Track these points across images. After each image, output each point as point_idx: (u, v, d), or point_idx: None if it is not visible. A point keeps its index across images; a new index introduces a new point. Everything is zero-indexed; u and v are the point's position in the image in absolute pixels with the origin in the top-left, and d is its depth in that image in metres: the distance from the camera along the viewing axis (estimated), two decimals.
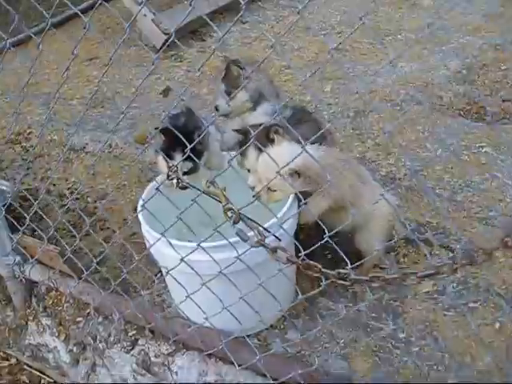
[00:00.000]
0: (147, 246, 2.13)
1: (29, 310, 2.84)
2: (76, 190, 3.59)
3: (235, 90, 2.64)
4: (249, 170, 2.40)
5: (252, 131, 2.43)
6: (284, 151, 2.20)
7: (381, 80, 4.24)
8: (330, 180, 2.22)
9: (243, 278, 1.96)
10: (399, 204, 2.85)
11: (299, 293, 1.87)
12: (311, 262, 1.70)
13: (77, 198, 3.53)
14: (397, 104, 3.91)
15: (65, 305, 2.73)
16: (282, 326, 2.39)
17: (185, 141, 1.80)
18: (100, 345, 2.51)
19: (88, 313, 2.62)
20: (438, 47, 4.68)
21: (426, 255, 2.68)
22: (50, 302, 2.78)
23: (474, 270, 2.53)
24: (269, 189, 2.20)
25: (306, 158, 2.18)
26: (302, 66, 4.60)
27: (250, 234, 1.67)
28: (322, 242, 1.64)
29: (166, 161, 2.26)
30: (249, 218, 1.84)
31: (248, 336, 2.21)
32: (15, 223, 2.78)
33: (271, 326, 2.38)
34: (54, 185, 3.64)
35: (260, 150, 2.23)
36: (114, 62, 1.84)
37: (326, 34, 5.10)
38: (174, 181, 1.90)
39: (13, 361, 2.91)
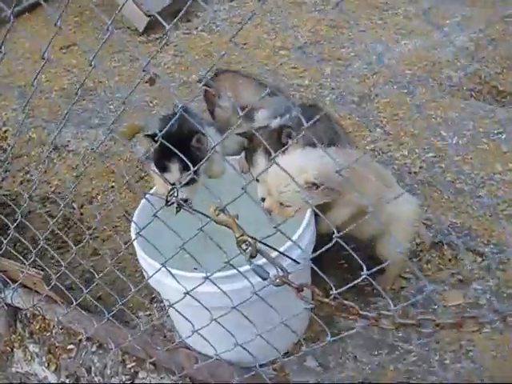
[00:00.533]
0: (145, 275, 1.85)
1: (14, 336, 2.56)
2: (60, 193, 3.30)
3: None
4: (257, 180, 2.11)
5: (260, 134, 2.17)
6: (299, 159, 1.91)
7: (384, 60, 3.93)
8: (353, 187, 1.98)
9: (255, 309, 1.70)
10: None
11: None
12: (346, 301, 1.44)
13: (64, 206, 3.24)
14: (404, 86, 3.61)
15: (53, 331, 2.45)
16: (299, 352, 2.14)
17: (181, 154, 1.51)
18: (96, 378, 2.24)
19: (80, 340, 2.35)
20: (441, 21, 4.36)
21: (450, 260, 2.44)
22: (37, 327, 2.50)
23: (508, 276, 2.29)
24: (281, 204, 1.92)
25: (325, 166, 1.91)
26: (297, 47, 4.27)
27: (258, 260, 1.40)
28: (331, 243, 1.33)
29: (161, 173, 1.97)
30: (269, 246, 1.58)
31: (262, 366, 1.96)
32: None
33: (287, 352, 2.13)
34: (36, 189, 3.32)
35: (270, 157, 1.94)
36: (94, 48, 1.52)
37: (320, 9, 4.74)
38: (174, 205, 1.60)
39: None
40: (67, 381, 2.32)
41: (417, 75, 3.69)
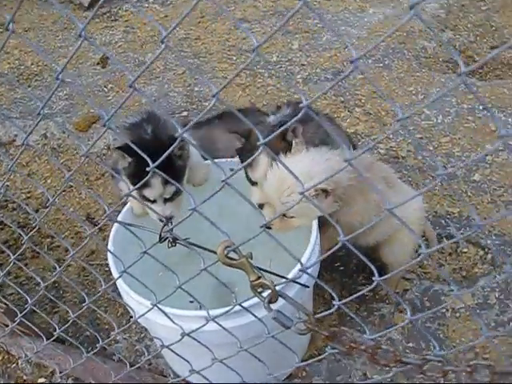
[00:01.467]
0: (132, 314, 1.58)
1: None
2: (11, 197, 2.94)
3: None
4: (253, 183, 1.85)
5: (259, 132, 1.89)
6: (304, 163, 1.67)
7: (354, 31, 3.69)
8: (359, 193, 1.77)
9: (256, 342, 1.47)
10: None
11: None
12: (383, 346, 1.24)
13: (13, 209, 2.90)
14: (378, 59, 3.39)
15: (19, 362, 2.16)
16: (303, 374, 1.94)
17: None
18: None
19: (52, 372, 2.08)
20: None
21: (451, 254, 2.28)
22: (0, 359, 2.20)
23: None
24: (283, 215, 1.68)
25: (333, 170, 1.68)
26: (259, 18, 3.96)
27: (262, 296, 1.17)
28: (337, 246, 1.11)
29: (139, 190, 1.68)
30: (277, 275, 1.36)
31: None
32: None
33: (290, 375, 1.92)
34: None
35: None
36: (36, 26, 1.22)
37: None
38: (167, 238, 1.33)
39: None
40: None
41: (391, 47, 3.48)
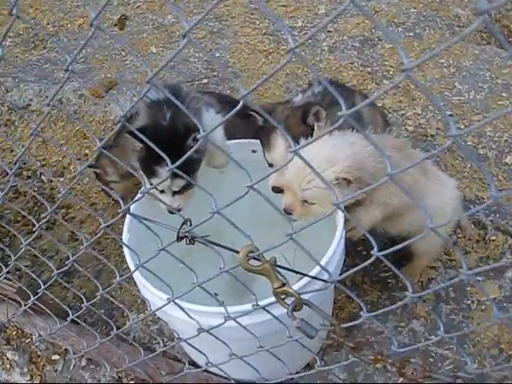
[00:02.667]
0: (148, 306, 1.52)
1: None
2: (25, 164, 2.88)
3: None
4: (270, 165, 1.76)
5: (281, 111, 1.78)
6: (327, 148, 1.57)
7: None
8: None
9: (274, 338, 1.41)
10: None
11: None
12: (411, 359, 1.17)
13: (28, 177, 2.84)
14: (409, 28, 3.22)
15: (33, 337, 2.13)
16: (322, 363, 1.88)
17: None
18: None
19: (66, 349, 2.05)
20: None
21: (478, 241, 2.18)
22: (14, 333, 2.18)
23: None
24: (304, 201, 1.59)
25: (357, 156, 1.58)
26: None
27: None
28: (370, 261, 1.02)
29: (148, 178, 1.60)
30: (295, 271, 1.29)
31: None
32: None
33: (307, 364, 1.87)
34: None
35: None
36: None
37: None
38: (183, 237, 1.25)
39: None
40: None
41: (423, 14, 3.30)
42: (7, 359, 2.18)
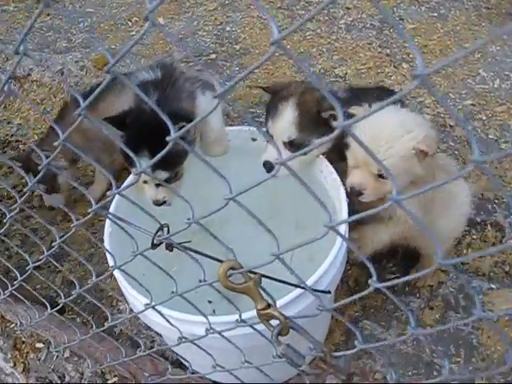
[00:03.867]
0: (133, 308, 1.40)
1: None
2: (24, 136, 2.75)
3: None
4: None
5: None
6: (401, 116, 1.45)
7: None
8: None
9: (260, 350, 1.29)
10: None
11: None
12: None
13: (24, 151, 2.71)
14: (433, 8, 3.01)
15: (15, 325, 2.04)
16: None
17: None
18: None
19: (50, 341, 1.95)
20: None
21: (494, 244, 2.03)
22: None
23: None
24: (380, 176, 1.44)
25: (429, 131, 1.45)
26: None
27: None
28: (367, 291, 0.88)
29: (128, 165, 1.46)
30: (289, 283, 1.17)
31: None
32: None
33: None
34: None
35: None
36: None
37: None
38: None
39: None
40: None
41: None
42: None
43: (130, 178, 1.59)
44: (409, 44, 0.52)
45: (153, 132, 1.26)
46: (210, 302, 1.59)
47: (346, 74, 2.66)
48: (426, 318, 1.84)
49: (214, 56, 2.90)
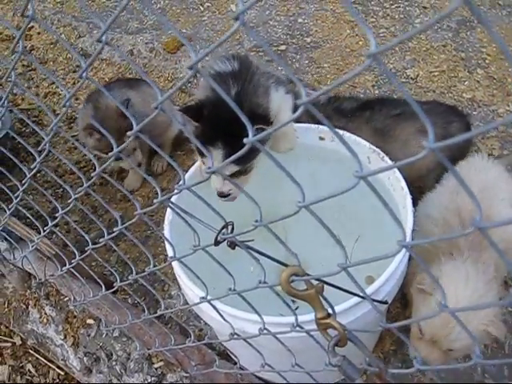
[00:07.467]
0: (186, 298, 1.41)
1: (29, 292, 2.21)
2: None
3: None
4: None
5: None
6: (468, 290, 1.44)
7: None
8: None
9: (311, 353, 1.26)
10: None
11: None
12: None
13: None
14: None
15: (68, 301, 2.09)
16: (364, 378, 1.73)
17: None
18: (116, 367, 1.90)
19: (101, 319, 1.99)
20: None
21: None
22: (54, 290, 2.14)
23: None
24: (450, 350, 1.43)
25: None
26: None
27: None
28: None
29: (200, 155, 1.46)
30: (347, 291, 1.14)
31: None
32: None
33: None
34: (60, 104, 2.83)
35: None
36: None
37: None
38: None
39: (16, 340, 2.34)
40: (85, 359, 1.99)
41: None
42: (45, 313, 2.16)
43: (195, 170, 1.60)
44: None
45: (230, 125, 1.25)
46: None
47: (418, 75, 2.58)
48: None
49: (283, 47, 2.87)
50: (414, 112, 0.56)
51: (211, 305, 1.23)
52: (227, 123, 1.25)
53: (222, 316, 1.25)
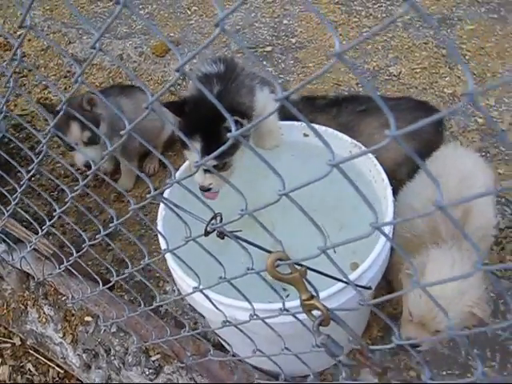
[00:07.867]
0: (180, 290, 1.47)
1: (27, 293, 2.27)
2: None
3: None
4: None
5: None
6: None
7: None
8: None
9: (300, 338, 1.33)
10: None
11: None
12: None
13: None
14: (493, 9, 2.97)
15: (66, 299, 2.15)
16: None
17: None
18: (115, 362, 1.97)
19: (98, 316, 2.05)
20: None
21: None
22: (52, 290, 2.20)
23: None
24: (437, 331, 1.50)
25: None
26: None
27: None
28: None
29: (182, 146, 1.55)
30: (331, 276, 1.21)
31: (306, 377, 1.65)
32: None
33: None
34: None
35: None
36: None
37: None
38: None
39: (16, 340, 2.40)
40: (84, 356, 2.06)
41: None
42: (44, 313, 2.22)
43: (184, 168, 1.67)
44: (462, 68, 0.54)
45: (208, 120, 1.35)
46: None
47: (400, 72, 2.66)
48: None
49: (269, 48, 2.94)
50: (379, 108, 0.63)
51: (204, 294, 1.30)
52: (205, 118, 1.38)
53: (214, 305, 1.32)
